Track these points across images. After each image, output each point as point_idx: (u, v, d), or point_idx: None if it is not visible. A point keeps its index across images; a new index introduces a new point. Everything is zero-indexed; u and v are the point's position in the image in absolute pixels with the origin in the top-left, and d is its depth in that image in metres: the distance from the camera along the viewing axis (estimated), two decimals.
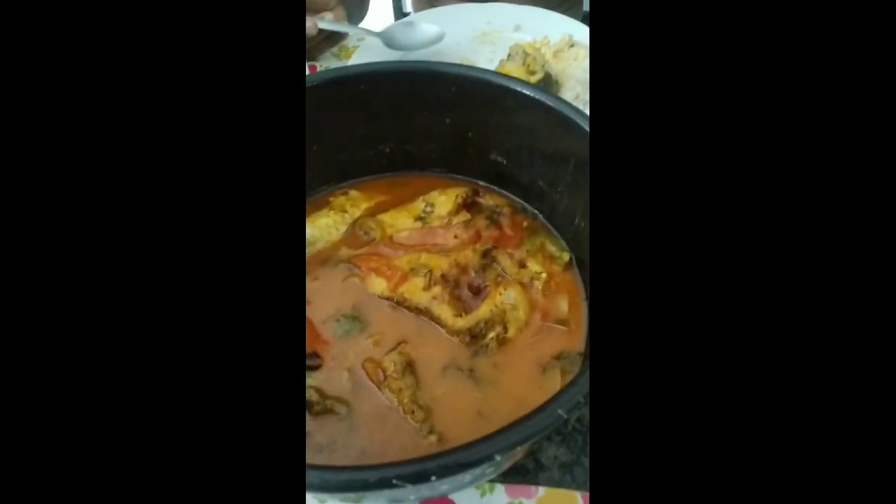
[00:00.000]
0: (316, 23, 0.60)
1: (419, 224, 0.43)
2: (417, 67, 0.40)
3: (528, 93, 0.37)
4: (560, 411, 0.24)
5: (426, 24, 0.63)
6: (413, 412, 0.34)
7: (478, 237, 0.42)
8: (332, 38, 0.68)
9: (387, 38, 0.63)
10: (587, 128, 0.35)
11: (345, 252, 0.42)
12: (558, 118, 0.36)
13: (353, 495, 0.23)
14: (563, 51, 0.59)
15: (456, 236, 0.42)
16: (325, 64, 0.70)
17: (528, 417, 0.24)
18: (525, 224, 0.44)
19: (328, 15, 0.63)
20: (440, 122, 0.44)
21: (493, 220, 0.43)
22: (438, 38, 0.63)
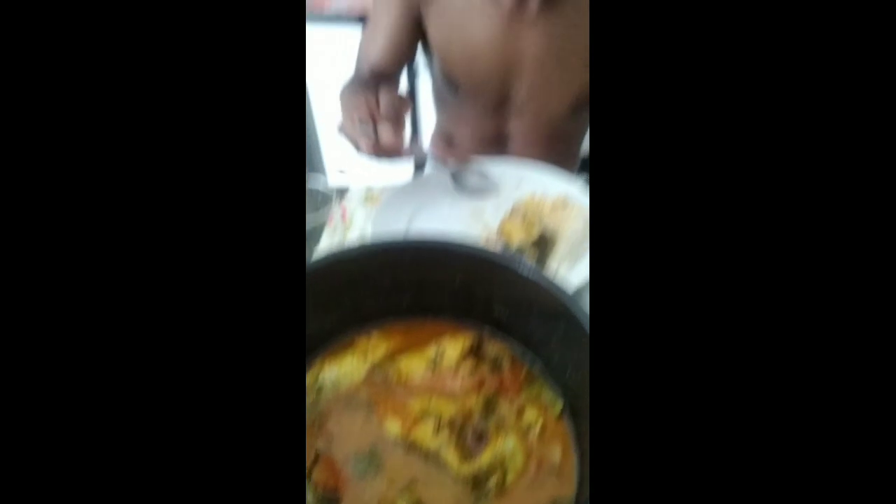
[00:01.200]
0: (413, 151, 0.71)
1: (431, 369, 0.50)
2: (435, 244, 0.49)
3: (523, 272, 0.46)
4: None
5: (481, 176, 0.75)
6: None
7: (482, 384, 0.48)
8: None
9: (458, 180, 0.75)
10: (568, 302, 0.42)
11: (365, 393, 0.49)
12: (548, 292, 0.44)
13: None
14: (559, 209, 0.69)
15: (462, 382, 0.48)
16: (353, 206, 0.81)
17: None
18: (524, 372, 0.50)
19: (416, 149, 0.74)
20: (452, 279, 0.52)
21: (496, 368, 0.50)
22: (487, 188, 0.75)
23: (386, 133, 0.67)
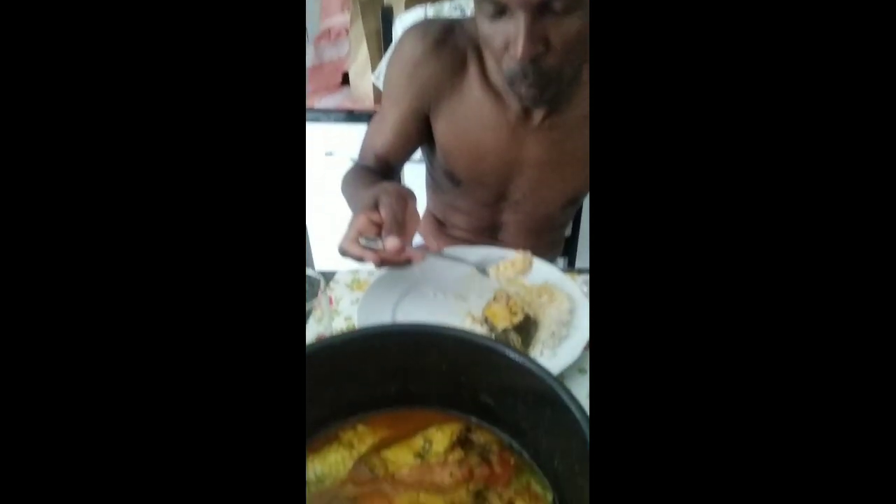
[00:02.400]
0: (424, 255, 0.70)
1: (418, 461, 0.49)
2: (421, 331, 0.50)
3: (510, 356, 0.47)
4: None
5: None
6: None
7: (470, 475, 0.47)
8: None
9: (480, 268, 0.77)
10: (555, 387, 0.43)
11: (350, 489, 0.47)
12: (534, 376, 0.45)
13: None
14: (542, 294, 0.72)
15: (451, 475, 0.47)
16: (340, 292, 0.82)
17: None
18: (513, 461, 0.49)
19: (431, 246, 0.75)
20: (438, 367, 0.53)
21: (485, 458, 0.49)
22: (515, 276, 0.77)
23: (392, 243, 0.66)
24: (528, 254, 0.78)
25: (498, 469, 0.48)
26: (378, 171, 0.98)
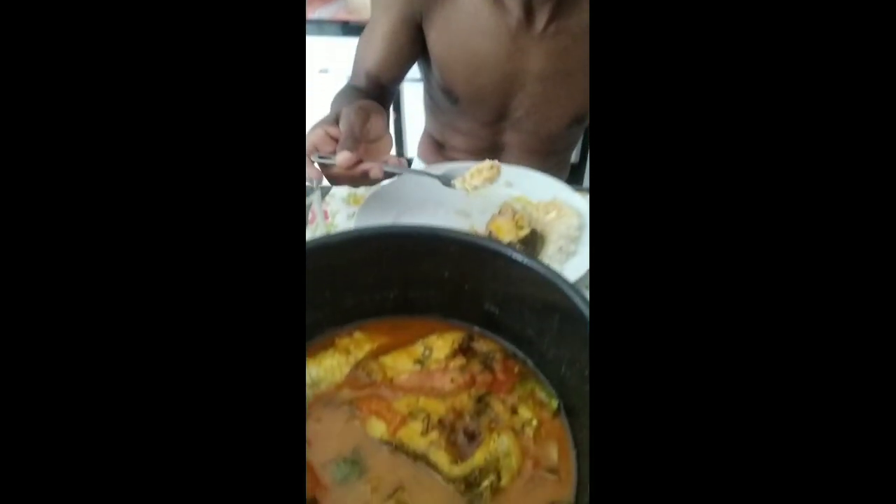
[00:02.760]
0: (382, 167, 0.64)
1: (418, 367, 0.47)
2: (422, 232, 0.47)
3: (516, 258, 0.43)
4: None
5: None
6: None
7: (472, 382, 0.45)
8: (388, 175, 0.72)
9: (444, 180, 0.71)
10: (566, 289, 0.40)
11: (347, 393, 0.45)
12: (543, 279, 0.42)
13: None
14: (550, 210, 0.68)
15: (452, 380, 0.45)
16: (336, 206, 0.78)
17: None
18: (516, 369, 0.47)
19: (391, 159, 0.68)
20: (440, 274, 0.50)
21: (487, 365, 0.47)
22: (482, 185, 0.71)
23: (342, 157, 0.61)
24: (496, 162, 0.72)
25: (501, 376, 0.46)
26: (370, 91, 0.89)
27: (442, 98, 0.94)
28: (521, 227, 0.63)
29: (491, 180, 0.70)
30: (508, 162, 0.97)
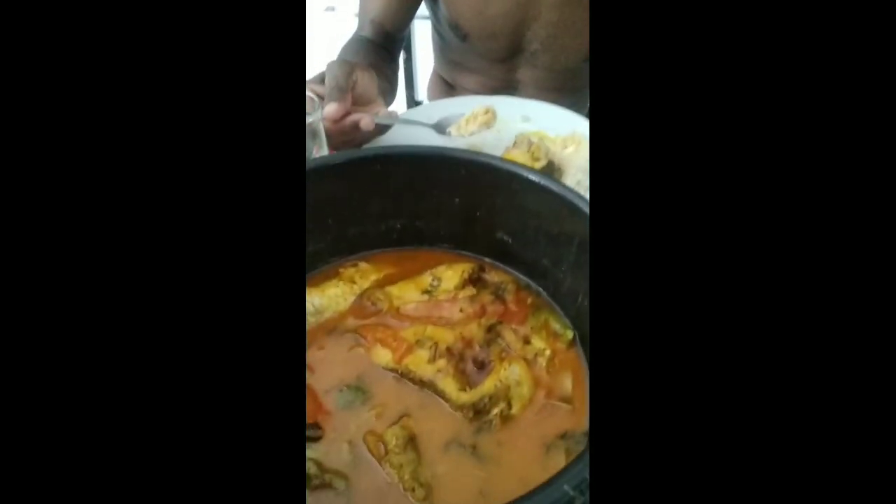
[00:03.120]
0: (373, 118, 0.62)
1: (426, 297, 0.45)
2: (430, 152, 0.43)
3: (532, 178, 0.40)
4: (566, 487, 0.23)
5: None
6: (413, 490, 0.33)
7: (483, 312, 0.43)
8: (381, 130, 0.70)
9: (439, 129, 0.67)
10: (588, 211, 0.37)
11: (351, 322, 0.43)
12: (561, 202, 0.39)
13: None
14: (568, 144, 0.64)
15: (461, 310, 0.43)
16: None
17: (533, 493, 0.23)
18: (529, 301, 0.45)
19: (381, 110, 0.66)
20: (450, 201, 0.46)
21: (498, 296, 0.44)
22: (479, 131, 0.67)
23: (329, 108, 0.58)
24: (491, 107, 0.68)
25: (513, 307, 0.44)
26: (377, 40, 0.85)
27: (450, 34, 0.88)
28: (537, 159, 0.59)
29: (487, 125, 0.66)
30: None
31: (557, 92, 0.93)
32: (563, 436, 0.36)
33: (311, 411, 0.37)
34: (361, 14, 0.87)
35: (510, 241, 0.46)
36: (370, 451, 0.35)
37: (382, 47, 0.86)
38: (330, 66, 0.63)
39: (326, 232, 0.47)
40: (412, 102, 1.29)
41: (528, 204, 0.42)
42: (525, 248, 0.46)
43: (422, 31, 1.13)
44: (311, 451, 0.35)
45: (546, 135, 0.69)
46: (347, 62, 0.64)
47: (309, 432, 0.36)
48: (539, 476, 0.33)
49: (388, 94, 0.86)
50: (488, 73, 0.92)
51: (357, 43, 0.84)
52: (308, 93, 0.61)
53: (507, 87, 0.94)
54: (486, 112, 0.63)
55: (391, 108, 0.88)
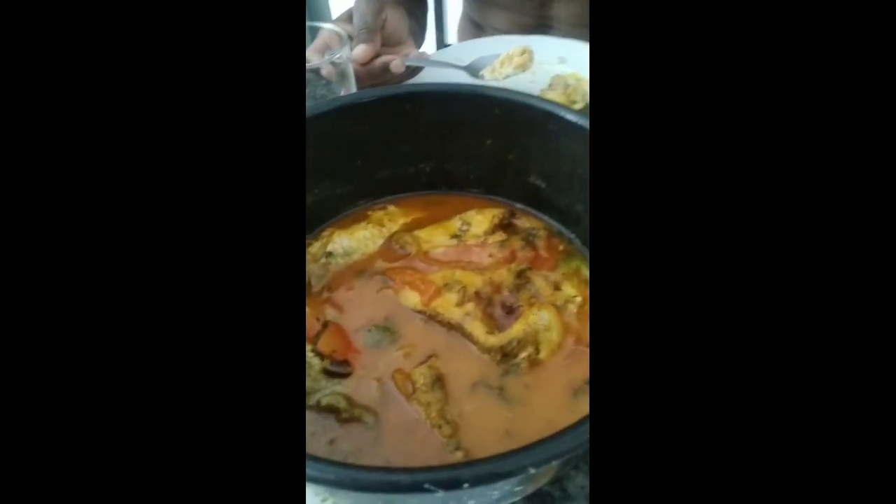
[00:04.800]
0: (403, 60, 0.60)
1: (455, 241, 0.44)
2: (462, 90, 0.42)
3: (570, 118, 0.38)
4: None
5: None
6: (440, 426, 0.33)
7: (513, 257, 0.42)
8: (412, 73, 0.68)
9: (472, 71, 0.64)
10: None
11: (380, 264, 0.43)
12: None
13: (381, 498, 0.23)
14: None
15: (491, 255, 0.42)
16: None
17: (562, 433, 0.23)
18: (561, 248, 0.43)
19: (412, 51, 0.64)
20: (481, 143, 0.45)
21: (529, 242, 0.43)
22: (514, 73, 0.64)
23: (358, 50, 0.57)
24: (528, 47, 0.63)
25: (544, 253, 0.43)
26: None
27: None
28: (573, 102, 0.56)
29: (523, 67, 0.62)
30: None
31: None
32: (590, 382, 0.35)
33: (341, 349, 0.37)
34: None
35: (543, 185, 0.45)
36: (398, 388, 0.35)
37: None
38: (358, 2, 0.61)
39: (355, 174, 0.46)
40: (442, 45, 1.24)
41: (563, 146, 0.40)
42: (559, 193, 0.44)
43: None
44: (341, 387, 0.36)
45: (583, 76, 0.66)
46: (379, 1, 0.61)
47: (339, 368, 0.36)
48: (567, 419, 0.33)
49: (418, 35, 0.82)
50: (520, 10, 0.86)
51: None
52: (334, 36, 0.59)
53: (540, 24, 0.88)
54: (523, 53, 0.60)
55: (421, 49, 0.85)
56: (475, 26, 0.97)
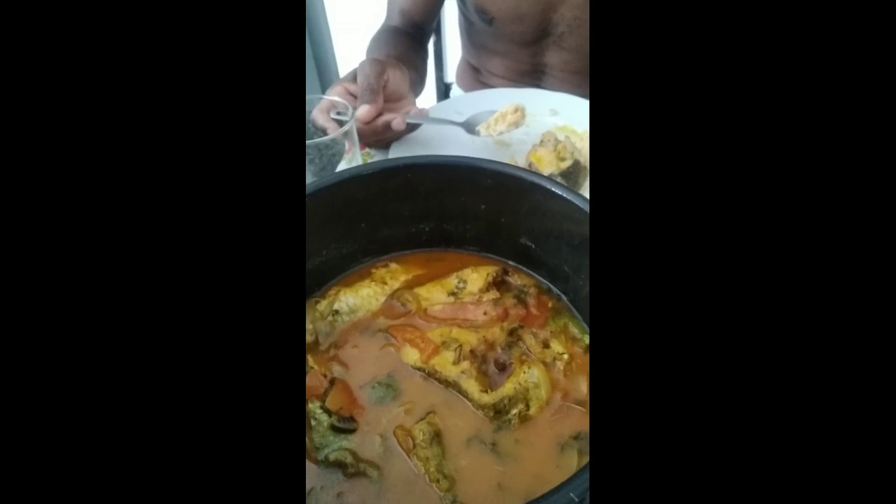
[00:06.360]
0: (404, 118, 0.65)
1: (452, 299, 0.47)
2: (458, 162, 0.45)
3: (554, 190, 0.42)
4: (572, 495, 0.26)
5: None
6: (438, 481, 0.36)
7: (505, 315, 0.46)
8: (410, 128, 0.73)
9: (468, 128, 0.69)
10: None
11: (382, 322, 0.47)
12: (582, 213, 0.40)
13: None
14: None
15: (485, 313, 0.46)
16: (371, 150, 0.77)
17: (541, 499, 0.26)
18: (550, 304, 0.47)
19: (412, 108, 0.69)
20: (476, 206, 0.49)
21: (521, 300, 0.47)
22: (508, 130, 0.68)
23: (361, 110, 0.62)
24: (520, 106, 0.68)
25: (534, 310, 0.46)
26: (406, 30, 0.87)
27: (477, 18, 0.88)
28: (562, 159, 0.60)
29: (516, 124, 0.67)
30: (551, 86, 0.91)
31: (586, 76, 0.92)
32: (577, 436, 0.39)
33: (347, 405, 0.41)
34: (390, 4, 0.89)
35: (533, 246, 0.48)
36: (400, 444, 0.38)
37: (412, 37, 0.87)
38: (362, 65, 0.65)
39: (359, 234, 0.50)
40: (441, 84, 1.29)
41: (550, 213, 0.44)
42: (547, 253, 0.48)
43: (451, 11, 1.12)
44: (347, 442, 0.39)
45: (573, 129, 0.70)
46: (378, 61, 0.65)
47: (345, 425, 0.40)
48: (553, 473, 0.37)
49: (418, 83, 0.87)
50: (515, 57, 0.91)
51: (386, 34, 0.86)
52: (341, 93, 0.64)
53: (534, 70, 0.93)
54: (516, 111, 0.64)
55: (421, 94, 0.89)
56: (473, 70, 1.02)
